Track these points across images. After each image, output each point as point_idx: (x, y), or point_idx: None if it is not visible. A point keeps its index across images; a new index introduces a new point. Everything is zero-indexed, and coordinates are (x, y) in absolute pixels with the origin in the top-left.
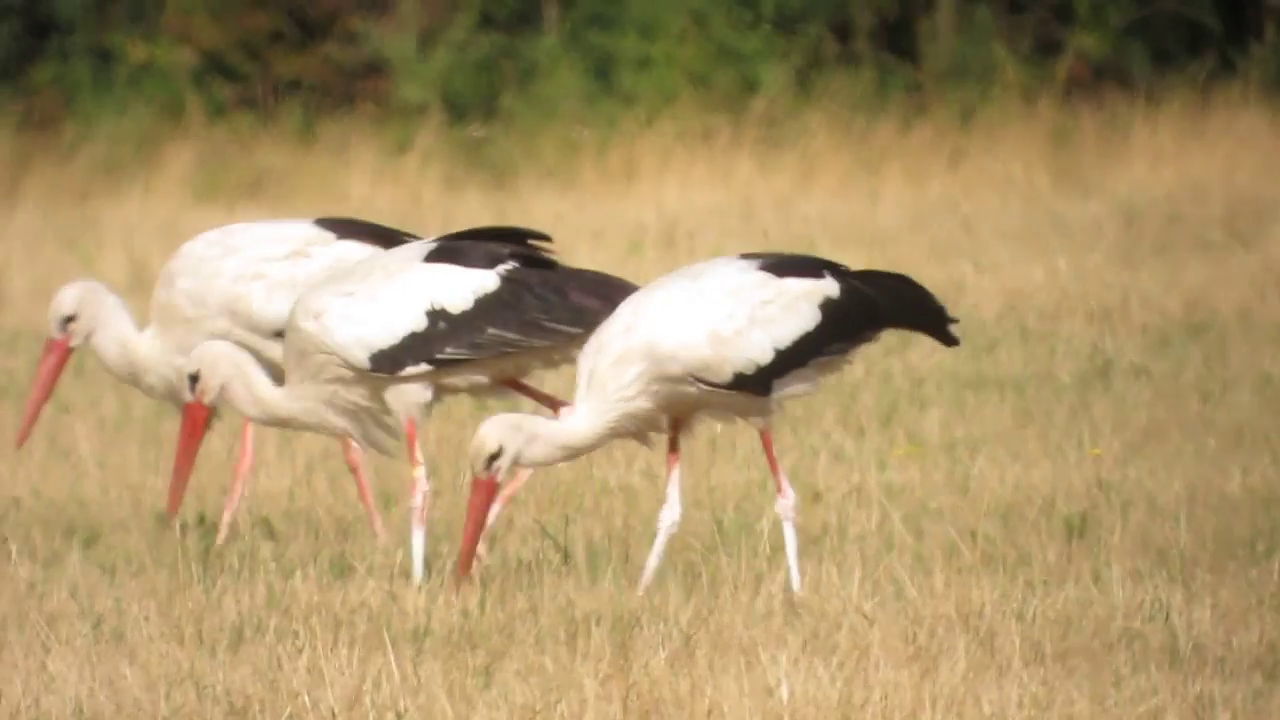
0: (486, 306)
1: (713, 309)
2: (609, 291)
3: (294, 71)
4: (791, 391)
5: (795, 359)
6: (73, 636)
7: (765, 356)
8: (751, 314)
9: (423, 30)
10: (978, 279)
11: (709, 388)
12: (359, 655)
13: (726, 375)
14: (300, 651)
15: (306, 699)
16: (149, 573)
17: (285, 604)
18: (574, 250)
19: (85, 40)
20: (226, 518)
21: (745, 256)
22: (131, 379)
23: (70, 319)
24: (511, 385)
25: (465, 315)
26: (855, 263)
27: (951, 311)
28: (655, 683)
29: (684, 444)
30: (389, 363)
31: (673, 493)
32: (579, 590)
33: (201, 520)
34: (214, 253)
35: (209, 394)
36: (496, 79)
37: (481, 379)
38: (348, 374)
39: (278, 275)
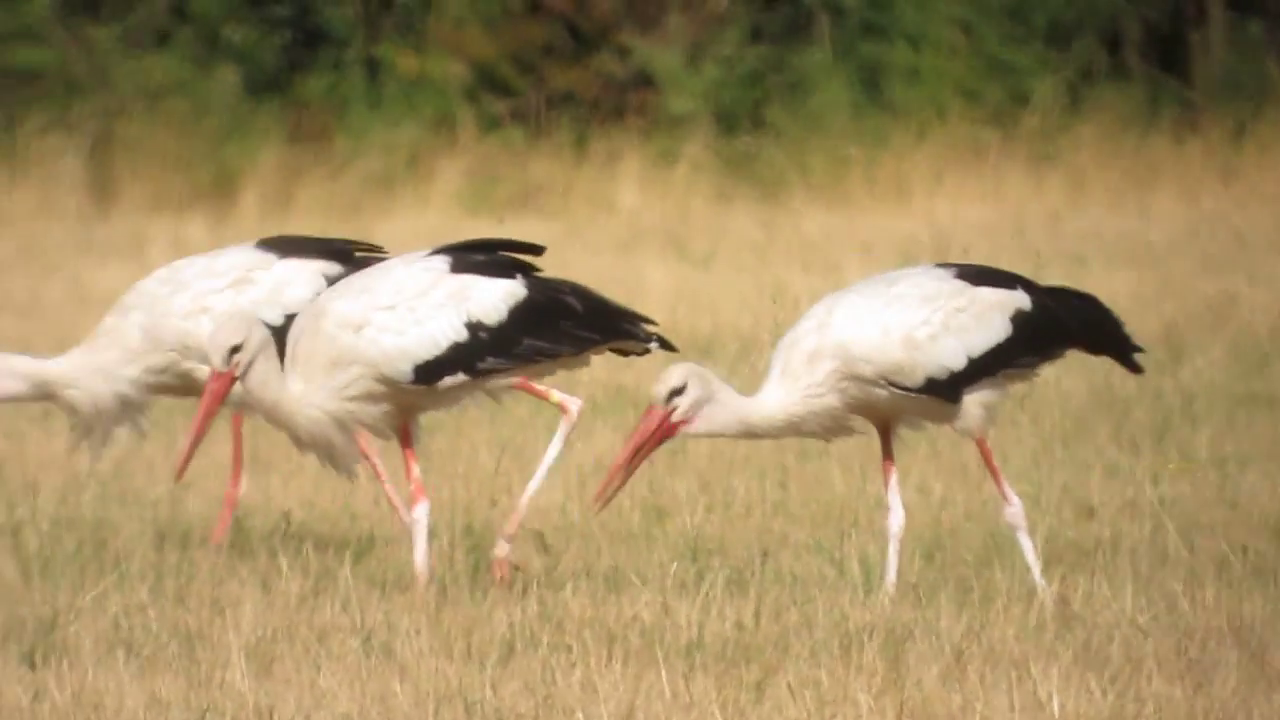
0: (519, 316)
1: (908, 314)
2: (610, 304)
3: (565, 85)
4: (980, 399)
5: (986, 367)
6: (344, 652)
7: (957, 363)
8: (945, 321)
9: (691, 44)
10: (1251, 293)
11: (900, 391)
12: (632, 671)
13: (918, 380)
14: (573, 666)
15: (580, 715)
16: (418, 587)
17: (557, 617)
18: (844, 265)
19: (356, 52)
20: (219, 537)
21: (941, 265)
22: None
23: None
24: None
25: (501, 326)
26: (1127, 279)
27: (1223, 327)
28: (927, 698)
29: (898, 451)
30: (429, 374)
31: (894, 500)
32: (853, 604)
33: (470, 532)
34: (164, 290)
35: (242, 367)
36: (765, 92)
37: (504, 384)
38: (379, 387)
39: (221, 306)
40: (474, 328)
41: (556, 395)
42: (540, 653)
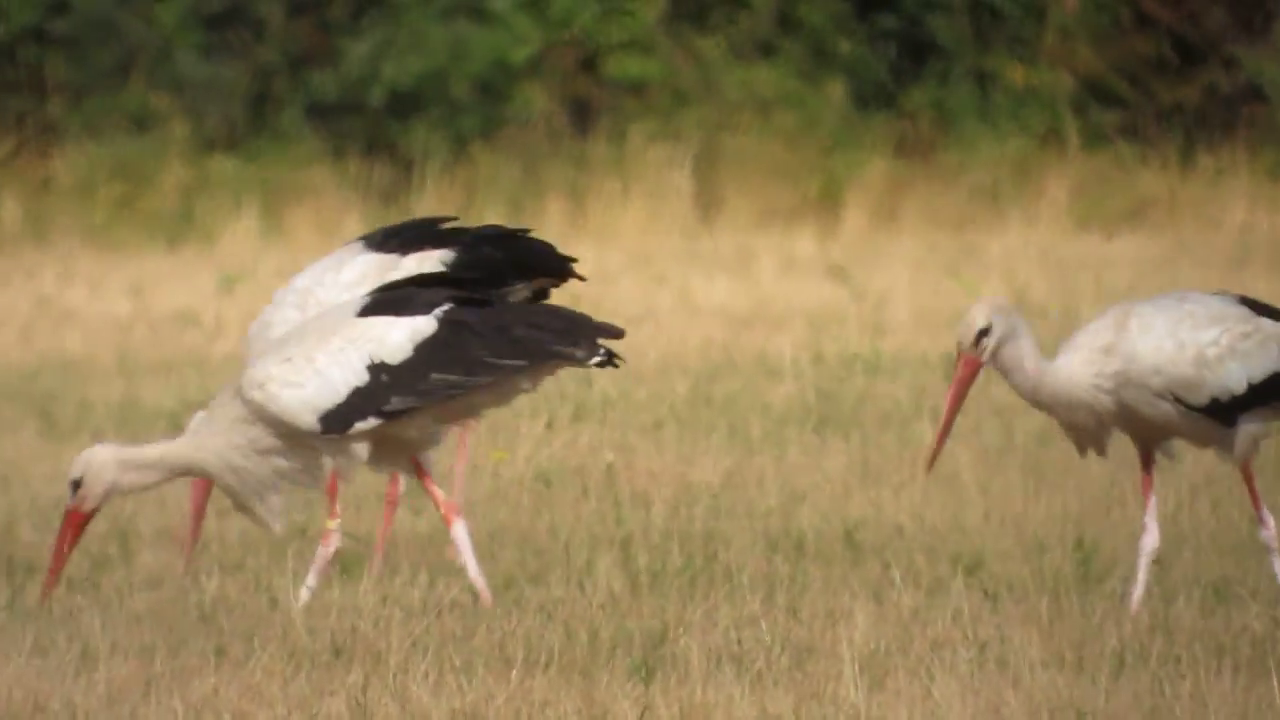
0: (426, 352)
1: (1200, 332)
2: (555, 322)
3: (1174, 98)
4: (1252, 427)
5: (1264, 395)
6: (956, 663)
7: (1239, 387)
8: (1231, 344)
9: None
10: None
11: (1183, 408)
12: (1242, 683)
13: (1202, 398)
14: (1182, 677)
15: None
16: (1030, 599)
17: (1168, 629)
18: None
19: (964, 64)
20: (379, 559)
21: (1218, 293)
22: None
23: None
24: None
25: (407, 363)
26: None
27: None
28: None
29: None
30: (338, 422)
31: (1150, 522)
32: None
33: (1079, 545)
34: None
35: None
36: None
37: (433, 426)
38: (285, 443)
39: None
40: (376, 370)
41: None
42: (1150, 665)
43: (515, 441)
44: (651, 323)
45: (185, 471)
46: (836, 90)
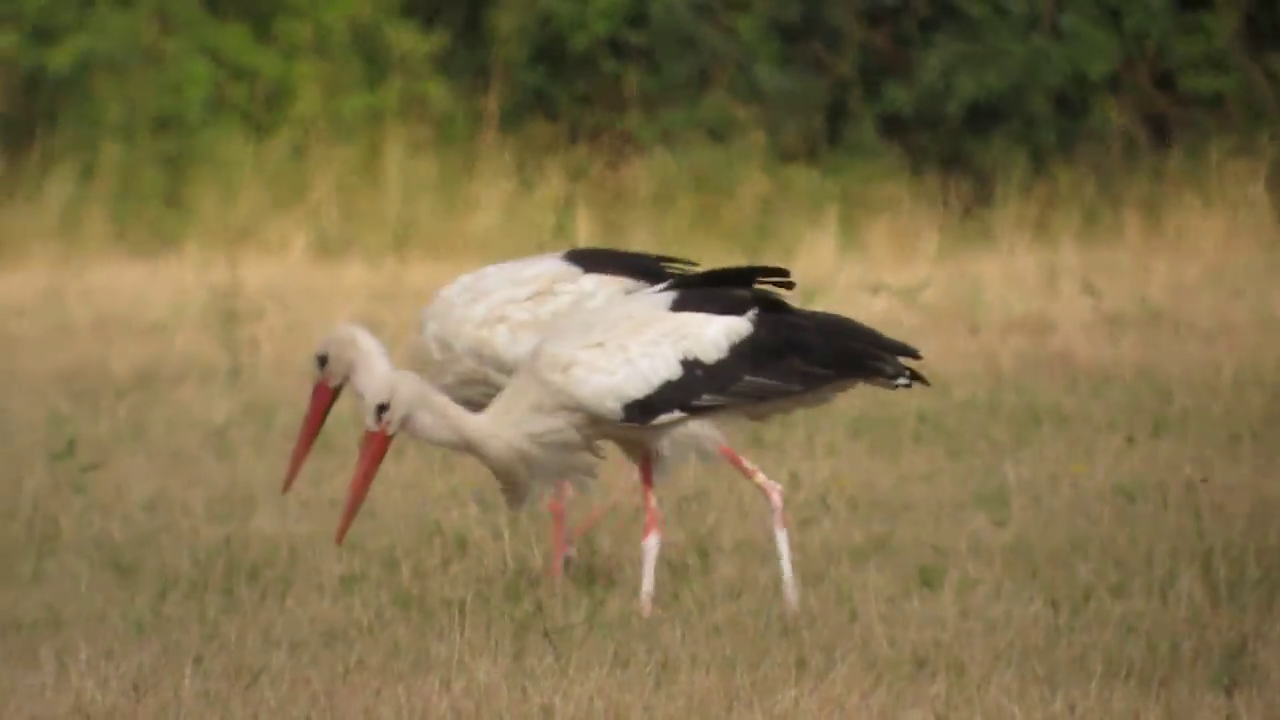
0: (742, 352)
1: None
2: (863, 336)
3: None
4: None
5: None
6: None
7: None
8: None
9: None
10: None
11: None
12: None
13: None
14: None
15: None
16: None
17: None
18: None
19: None
20: (556, 565)
21: None
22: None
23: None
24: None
25: (721, 362)
26: None
27: None
28: None
29: None
30: (642, 412)
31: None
32: None
33: None
34: (463, 299)
35: (394, 425)
36: None
37: (739, 420)
38: (584, 428)
39: (520, 317)
40: (690, 365)
41: (760, 477)
42: None
43: (1094, 455)
44: (1227, 337)
45: (468, 449)
46: None
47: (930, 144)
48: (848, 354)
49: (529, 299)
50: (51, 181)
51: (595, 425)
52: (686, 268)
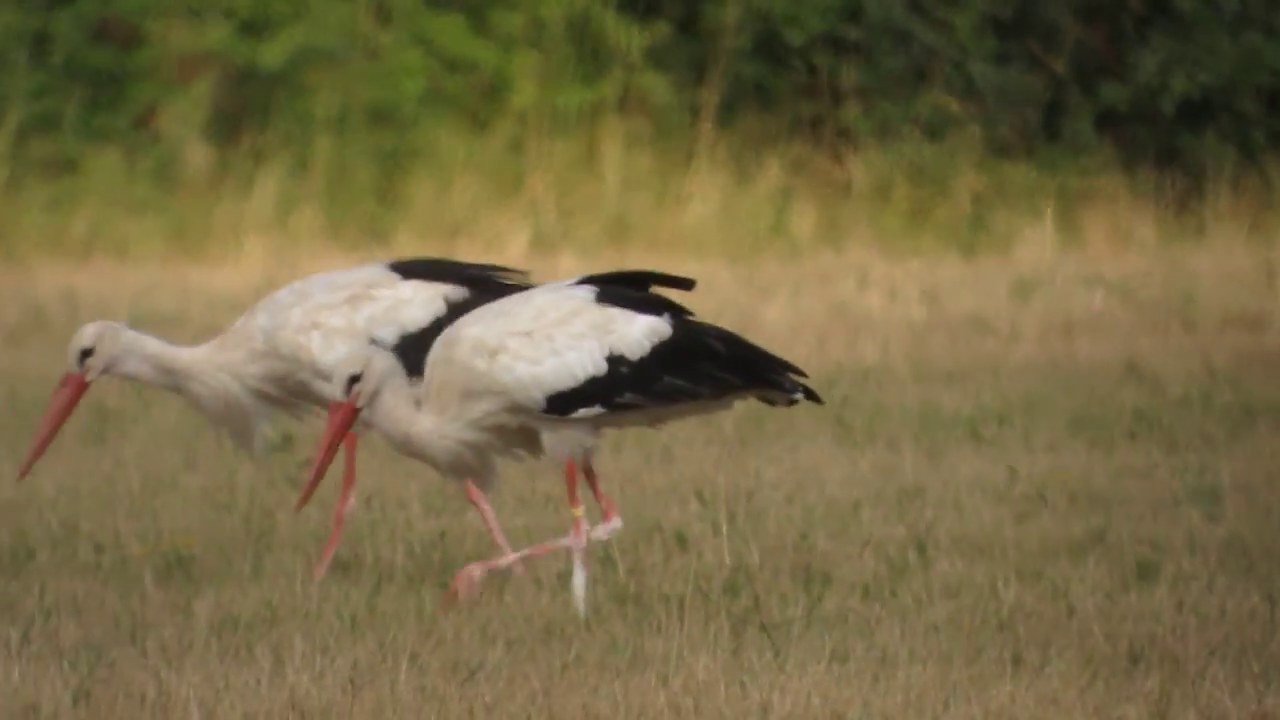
0: (662, 353)
1: None
2: (747, 346)
3: None
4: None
5: None
6: None
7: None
8: None
9: None
10: None
11: None
12: None
13: None
14: None
15: None
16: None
17: None
18: None
19: None
20: (321, 569)
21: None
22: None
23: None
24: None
25: (643, 361)
26: None
27: None
28: None
29: None
30: (564, 404)
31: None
32: None
33: None
34: (289, 300)
35: (364, 398)
36: None
37: (640, 423)
38: (509, 417)
39: (334, 322)
40: (615, 361)
41: (580, 510)
42: None
43: None
44: None
45: (405, 447)
46: None
47: (1145, 140)
48: (749, 363)
49: (344, 303)
50: (264, 176)
51: (512, 413)
52: (521, 278)
